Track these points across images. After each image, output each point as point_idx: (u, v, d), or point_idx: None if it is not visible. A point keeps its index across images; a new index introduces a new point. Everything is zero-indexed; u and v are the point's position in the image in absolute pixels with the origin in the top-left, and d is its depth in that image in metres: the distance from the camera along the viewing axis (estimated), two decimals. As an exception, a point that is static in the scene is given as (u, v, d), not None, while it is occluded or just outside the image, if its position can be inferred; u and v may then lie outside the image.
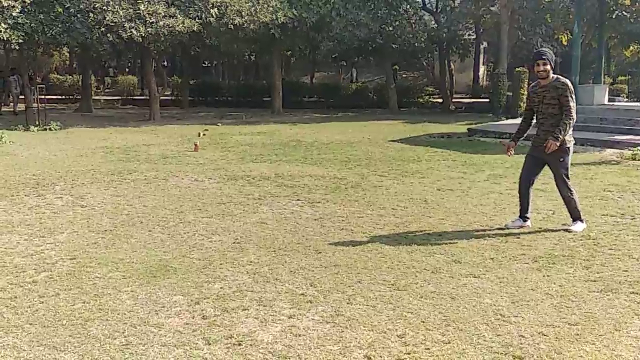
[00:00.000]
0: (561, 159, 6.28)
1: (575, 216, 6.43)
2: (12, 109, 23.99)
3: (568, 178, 6.40)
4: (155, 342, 3.82)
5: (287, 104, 26.32)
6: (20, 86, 22.59)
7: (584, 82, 22.43)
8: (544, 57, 6.16)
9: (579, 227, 6.35)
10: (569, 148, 6.29)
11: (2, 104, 24.56)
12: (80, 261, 5.41)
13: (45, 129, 17.61)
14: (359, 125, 19.62)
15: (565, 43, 28.08)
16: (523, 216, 6.56)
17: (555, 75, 6.29)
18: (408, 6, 26.68)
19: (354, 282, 4.86)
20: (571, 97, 6.16)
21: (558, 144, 6.14)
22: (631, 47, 30.69)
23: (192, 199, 8.05)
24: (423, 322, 4.10)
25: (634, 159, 11.14)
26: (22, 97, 21.16)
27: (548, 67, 6.15)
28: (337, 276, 5.01)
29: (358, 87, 31.38)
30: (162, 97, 24.49)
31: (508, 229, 6.45)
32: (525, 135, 6.71)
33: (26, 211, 7.35)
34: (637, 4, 22.19)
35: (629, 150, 11.87)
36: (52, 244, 5.96)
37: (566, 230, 6.33)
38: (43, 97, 19.75)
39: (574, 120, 6.19)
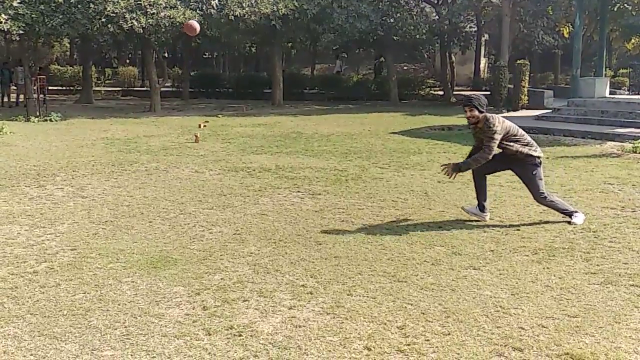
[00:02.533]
0: (533, 172, 6.32)
1: (568, 213, 6.42)
2: (16, 100, 23.98)
3: (543, 189, 6.37)
4: (156, 332, 3.83)
5: (287, 96, 26.27)
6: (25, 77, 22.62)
7: (586, 74, 22.39)
8: (468, 104, 6.18)
9: (579, 218, 6.35)
10: (539, 160, 6.31)
11: (7, 96, 24.53)
12: (80, 252, 5.43)
13: (46, 120, 17.60)
14: (359, 117, 19.60)
15: (566, 35, 28.03)
16: (480, 205, 6.53)
17: (485, 116, 6.16)
18: (409, -2, 26.64)
19: (354, 274, 4.87)
20: (492, 139, 6.08)
21: (454, 174, 6.29)
22: (633, 40, 30.62)
23: (192, 191, 8.05)
24: (423, 313, 4.11)
25: (635, 152, 11.13)
26: (34, 87, 21.03)
27: (475, 112, 6.11)
28: (338, 268, 5.01)
29: (359, 79, 31.32)
30: (162, 89, 24.44)
31: (465, 211, 6.50)
32: None
33: (27, 202, 7.36)
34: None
35: (630, 143, 11.85)
36: (52, 234, 5.98)
37: (568, 222, 6.33)
38: (44, 87, 19.72)
39: (486, 159, 6.18)
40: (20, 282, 4.67)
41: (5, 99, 24.41)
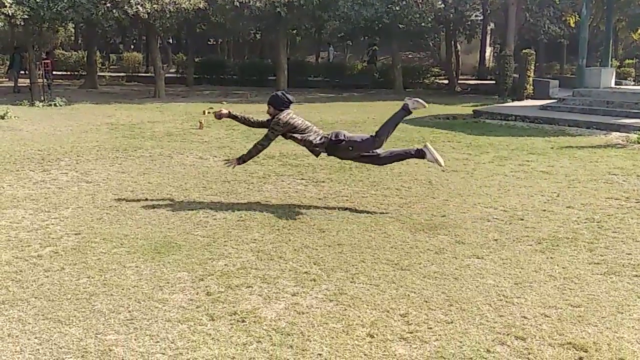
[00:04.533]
0: (350, 148, 6.53)
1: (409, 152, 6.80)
2: (27, 85, 23.98)
3: (384, 158, 6.66)
4: (160, 317, 3.84)
5: (292, 84, 26.19)
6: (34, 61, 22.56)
7: (591, 64, 22.28)
8: (268, 103, 6.73)
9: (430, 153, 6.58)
10: (342, 141, 6.50)
11: (16, 81, 24.50)
12: (85, 236, 5.44)
13: (50, 105, 17.60)
14: (364, 106, 19.56)
15: (572, 25, 27.86)
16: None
17: (277, 113, 6.61)
18: (415, -15, 26.44)
19: (357, 261, 4.88)
20: (273, 130, 6.58)
21: (236, 163, 6.80)
22: (639, 30, 30.44)
23: (196, 177, 8.06)
24: (426, 301, 4.12)
25: (640, 143, 11.10)
26: (39, 72, 20.99)
27: (271, 109, 6.68)
28: (341, 255, 5.02)
29: (363, 67, 31.23)
30: (167, 75, 24.42)
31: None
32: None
33: (31, 186, 7.38)
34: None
35: (635, 133, 11.81)
36: (57, 219, 5.99)
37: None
38: (49, 72, 19.69)
39: (263, 147, 6.69)
40: (24, 266, 4.69)
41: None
